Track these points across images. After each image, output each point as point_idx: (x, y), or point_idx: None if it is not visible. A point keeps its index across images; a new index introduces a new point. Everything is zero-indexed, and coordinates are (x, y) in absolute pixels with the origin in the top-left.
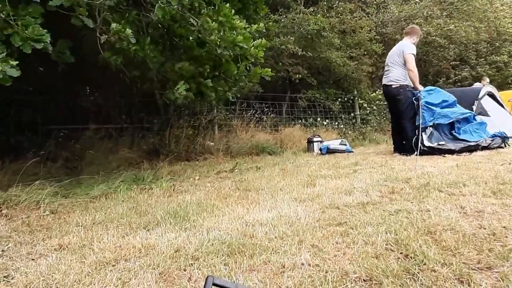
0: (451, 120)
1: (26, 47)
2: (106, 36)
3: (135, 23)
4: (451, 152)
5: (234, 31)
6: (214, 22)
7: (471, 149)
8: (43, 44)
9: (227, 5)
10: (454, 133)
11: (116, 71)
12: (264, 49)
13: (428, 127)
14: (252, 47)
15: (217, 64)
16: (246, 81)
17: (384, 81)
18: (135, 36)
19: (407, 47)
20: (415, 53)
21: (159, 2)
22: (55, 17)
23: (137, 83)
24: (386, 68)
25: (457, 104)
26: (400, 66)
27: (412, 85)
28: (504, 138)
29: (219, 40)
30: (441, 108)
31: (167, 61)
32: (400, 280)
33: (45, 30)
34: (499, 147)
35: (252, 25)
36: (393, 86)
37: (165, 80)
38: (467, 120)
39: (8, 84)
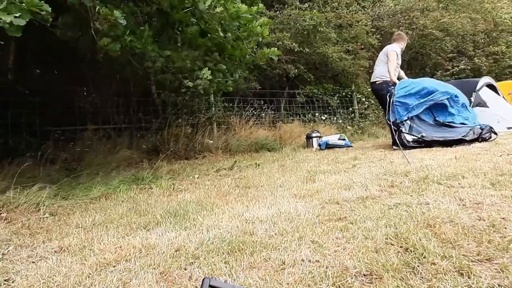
0: (426, 106)
1: (25, 16)
2: (97, 22)
3: (133, 15)
4: (439, 143)
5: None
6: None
7: (457, 140)
8: (44, 12)
9: None
10: (437, 119)
11: (114, 71)
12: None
13: (405, 121)
14: (258, 26)
15: (222, 50)
16: (254, 60)
17: (371, 79)
18: (133, 29)
19: (391, 47)
20: (399, 52)
21: None
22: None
23: (149, 75)
24: (374, 68)
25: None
26: (385, 63)
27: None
28: (490, 131)
29: (222, 14)
30: (421, 98)
31: (173, 52)
32: (400, 274)
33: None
34: (486, 139)
35: (252, 7)
36: (377, 82)
37: (175, 70)
38: (454, 102)
39: (18, 35)
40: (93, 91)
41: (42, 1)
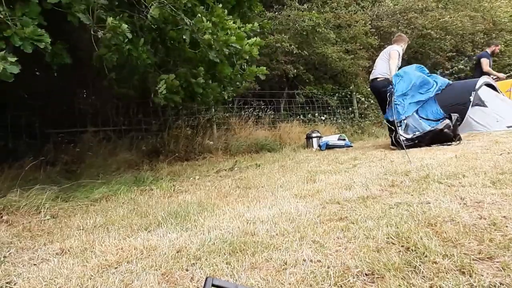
0: (418, 107)
1: (27, 46)
2: (102, 32)
3: (128, 25)
4: (431, 140)
5: (228, 31)
6: (208, 22)
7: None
8: (44, 43)
9: (220, 5)
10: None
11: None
12: (259, 47)
13: (402, 121)
14: (247, 45)
15: (211, 65)
16: (241, 80)
17: (371, 76)
18: (131, 39)
19: (394, 47)
20: (401, 52)
21: (156, 1)
22: (50, 18)
23: (125, 88)
24: (374, 66)
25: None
26: (386, 61)
27: None
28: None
29: (212, 40)
30: (418, 90)
31: (156, 64)
32: (402, 273)
33: (43, 30)
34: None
35: (247, 24)
36: (378, 79)
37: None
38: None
39: (10, 81)
40: (92, 93)
41: (43, 31)
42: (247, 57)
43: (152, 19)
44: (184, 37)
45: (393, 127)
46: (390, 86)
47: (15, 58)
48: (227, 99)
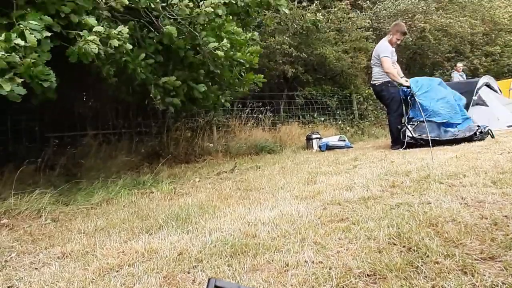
0: (444, 120)
1: (36, 86)
2: (104, 48)
3: (131, 36)
4: (435, 142)
5: (234, 45)
6: (216, 38)
7: (458, 139)
8: (49, 83)
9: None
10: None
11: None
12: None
13: (417, 121)
14: (248, 53)
15: (210, 70)
16: (240, 85)
17: (372, 80)
18: (129, 49)
19: (381, 50)
20: (389, 54)
21: (168, 19)
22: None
23: (123, 93)
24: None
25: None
26: (379, 66)
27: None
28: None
29: (221, 56)
30: (443, 105)
31: (158, 72)
32: (404, 274)
33: (50, 69)
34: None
35: (247, 33)
36: (376, 84)
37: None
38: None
39: (18, 101)
40: (92, 96)
41: (50, 70)
42: (247, 65)
43: (165, 35)
44: (188, 46)
45: (403, 123)
46: (407, 89)
47: (22, 80)
48: (225, 104)
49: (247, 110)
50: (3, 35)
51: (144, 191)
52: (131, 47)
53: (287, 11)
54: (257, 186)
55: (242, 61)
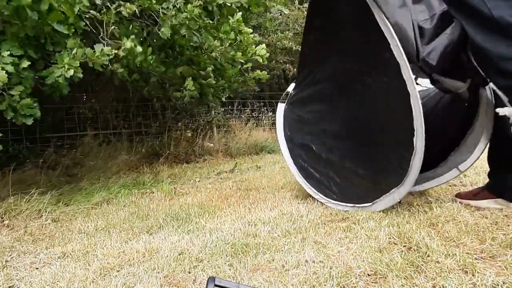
0: None
1: (18, 119)
2: (116, 51)
3: (137, 35)
4: None
5: (235, 45)
6: (215, 40)
7: None
8: (32, 119)
9: (238, 15)
10: None
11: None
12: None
13: None
14: (256, 53)
15: (216, 67)
16: (244, 80)
17: None
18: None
19: None
20: None
21: (167, 21)
22: None
23: (139, 88)
24: None
25: None
26: None
27: None
28: None
29: (219, 56)
30: None
31: (168, 68)
32: (405, 273)
33: (35, 103)
34: None
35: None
36: None
37: (168, 83)
38: None
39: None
40: (92, 97)
41: (36, 103)
42: (250, 65)
43: (163, 34)
44: (191, 43)
45: None
46: None
47: (36, 104)
48: (223, 100)
49: (247, 110)
50: None
51: (144, 191)
52: (141, 49)
53: (286, 11)
54: (258, 186)
55: (242, 61)
